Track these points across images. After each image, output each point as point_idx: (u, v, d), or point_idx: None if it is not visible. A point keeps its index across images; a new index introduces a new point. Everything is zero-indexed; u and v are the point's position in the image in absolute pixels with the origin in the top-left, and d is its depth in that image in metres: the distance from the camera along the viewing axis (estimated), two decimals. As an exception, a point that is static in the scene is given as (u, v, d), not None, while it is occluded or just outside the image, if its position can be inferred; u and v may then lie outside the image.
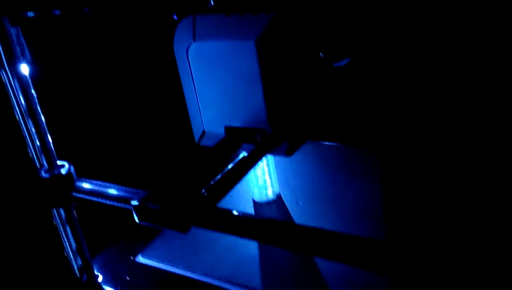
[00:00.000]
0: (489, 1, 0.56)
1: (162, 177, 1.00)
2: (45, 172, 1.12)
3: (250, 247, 1.31)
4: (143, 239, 1.42)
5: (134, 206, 0.95)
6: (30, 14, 1.00)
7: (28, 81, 1.06)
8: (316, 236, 0.77)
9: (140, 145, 1.60)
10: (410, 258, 0.65)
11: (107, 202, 1.03)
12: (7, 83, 1.04)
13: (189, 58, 1.16)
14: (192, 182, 1.03)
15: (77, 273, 1.30)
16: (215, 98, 1.18)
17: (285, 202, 1.49)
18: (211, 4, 1.11)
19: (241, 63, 1.09)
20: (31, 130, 1.07)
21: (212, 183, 0.98)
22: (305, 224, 1.46)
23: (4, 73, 1.03)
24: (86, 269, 1.29)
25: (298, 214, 1.45)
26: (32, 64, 1.06)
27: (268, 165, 1.44)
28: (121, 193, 1.03)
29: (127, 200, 1.00)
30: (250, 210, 1.49)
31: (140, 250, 1.38)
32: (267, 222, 0.83)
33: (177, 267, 1.29)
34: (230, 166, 1.04)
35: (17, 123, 1.10)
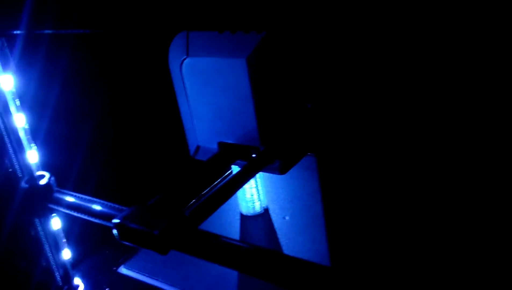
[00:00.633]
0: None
1: (155, 191, 0.99)
2: (25, 182, 1.10)
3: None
4: (128, 250, 1.40)
5: (115, 224, 0.93)
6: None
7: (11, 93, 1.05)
8: (303, 269, 0.75)
9: (136, 157, 1.58)
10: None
11: (87, 217, 1.01)
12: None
13: (183, 72, 1.15)
14: (177, 200, 1.01)
15: (59, 282, 1.28)
16: (208, 113, 1.18)
17: (272, 216, 1.48)
18: None
19: (233, 80, 1.08)
20: (12, 140, 1.05)
21: (196, 204, 0.96)
22: (291, 239, 1.46)
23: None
24: (66, 278, 1.28)
25: (284, 228, 1.44)
26: (20, 74, 1.04)
27: (256, 178, 1.43)
28: (103, 209, 1.01)
29: (109, 217, 0.98)
30: (237, 223, 1.47)
31: (124, 261, 1.37)
32: (248, 250, 0.81)
33: (157, 280, 1.28)
34: (216, 186, 1.02)
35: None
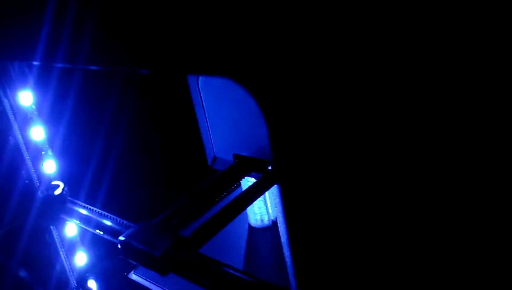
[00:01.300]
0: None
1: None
2: (41, 192, 1.15)
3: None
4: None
5: (120, 241, 0.97)
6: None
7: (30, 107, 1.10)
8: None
9: (157, 168, 1.65)
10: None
11: (95, 231, 1.06)
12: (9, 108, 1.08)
13: (200, 88, 1.23)
14: (183, 218, 1.05)
15: (74, 285, 1.35)
16: (224, 127, 1.25)
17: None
18: None
19: (246, 95, 1.11)
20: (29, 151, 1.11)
21: (199, 225, 0.99)
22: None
23: (6, 99, 1.06)
24: (81, 281, 1.34)
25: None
26: (39, 90, 1.08)
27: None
28: (112, 225, 1.05)
29: (116, 233, 1.02)
30: (245, 234, 1.50)
31: (134, 267, 1.41)
32: (248, 283, 0.82)
33: (165, 288, 1.32)
34: (222, 207, 1.05)
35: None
